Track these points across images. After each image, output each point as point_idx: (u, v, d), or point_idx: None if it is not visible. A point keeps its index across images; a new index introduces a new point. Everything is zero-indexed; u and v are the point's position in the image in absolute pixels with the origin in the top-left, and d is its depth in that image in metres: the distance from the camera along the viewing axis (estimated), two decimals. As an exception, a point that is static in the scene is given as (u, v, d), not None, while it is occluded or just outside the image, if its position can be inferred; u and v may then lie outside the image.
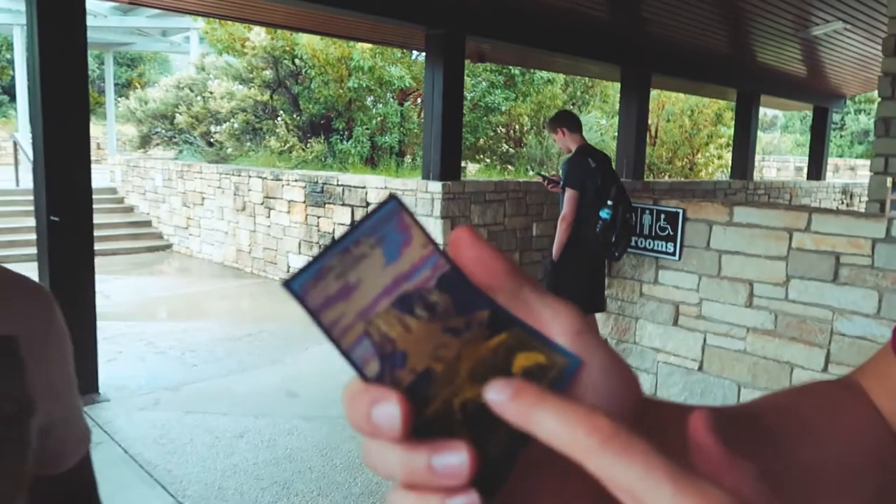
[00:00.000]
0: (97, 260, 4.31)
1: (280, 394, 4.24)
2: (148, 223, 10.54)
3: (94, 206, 4.29)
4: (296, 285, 0.26)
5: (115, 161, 11.81)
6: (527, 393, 0.24)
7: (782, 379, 3.76)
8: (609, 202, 4.07)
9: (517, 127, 13.17)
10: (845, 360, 3.53)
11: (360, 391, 0.26)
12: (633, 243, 4.32)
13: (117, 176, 11.49)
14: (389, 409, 0.24)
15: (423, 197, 5.96)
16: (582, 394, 0.27)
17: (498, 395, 0.25)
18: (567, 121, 4.40)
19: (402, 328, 0.27)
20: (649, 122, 10.02)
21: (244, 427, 3.71)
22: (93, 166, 4.13)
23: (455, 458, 0.24)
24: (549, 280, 4.31)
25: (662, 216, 4.27)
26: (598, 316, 4.49)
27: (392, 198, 0.28)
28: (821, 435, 0.40)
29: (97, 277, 4.30)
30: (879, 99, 5.96)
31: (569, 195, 4.08)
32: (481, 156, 12.82)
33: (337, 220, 7.02)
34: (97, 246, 4.30)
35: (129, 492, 3.02)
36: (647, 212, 4.34)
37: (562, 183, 4.20)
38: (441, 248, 0.28)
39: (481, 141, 12.44)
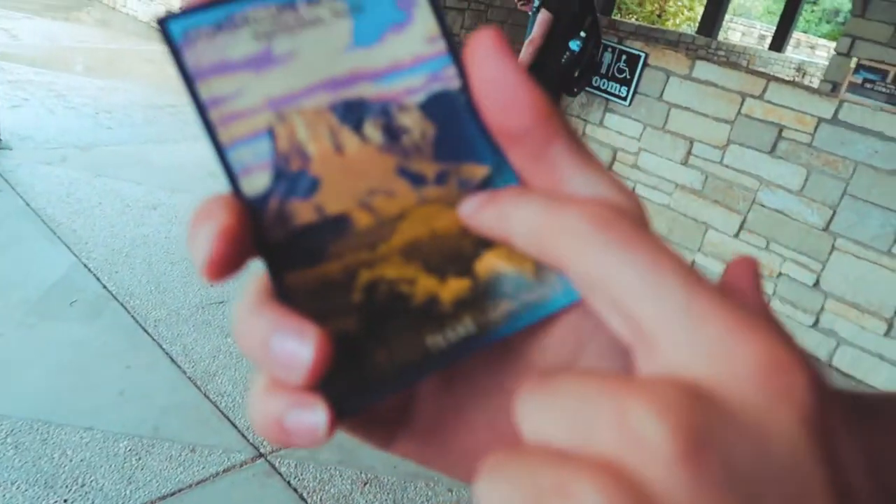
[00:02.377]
0: (0, -11, 3.79)
1: (200, 172, 4.07)
2: (66, -39, 9.33)
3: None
4: (176, 27, 0.17)
5: None
6: (507, 193, 0.18)
7: (695, 237, 3.91)
8: (582, 34, 3.83)
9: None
10: (757, 230, 3.68)
11: (258, 306, 0.17)
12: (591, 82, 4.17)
13: None
14: (297, 348, 0.16)
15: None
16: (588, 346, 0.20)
17: (471, 206, 0.18)
18: None
19: (332, 144, 0.18)
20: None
21: (158, 199, 3.58)
22: None
23: (296, 346, 0.16)
24: None
25: (623, 57, 4.10)
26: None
27: None
28: None
29: (0, 13, 3.80)
30: (867, -25, 5.74)
31: (542, 17, 3.79)
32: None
33: None
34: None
35: (29, 244, 2.90)
36: (609, 50, 4.15)
37: (536, 3, 3.89)
38: (459, 52, 0.18)
39: (451, -60, 11.39)
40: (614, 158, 4.21)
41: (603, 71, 4.16)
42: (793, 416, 0.14)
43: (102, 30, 7.53)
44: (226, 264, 0.17)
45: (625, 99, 4.10)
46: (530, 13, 4.00)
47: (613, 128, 4.20)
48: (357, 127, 0.18)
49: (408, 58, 0.18)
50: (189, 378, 2.31)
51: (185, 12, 0.17)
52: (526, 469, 0.14)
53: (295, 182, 0.18)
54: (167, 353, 2.40)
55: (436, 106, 0.18)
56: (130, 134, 4.46)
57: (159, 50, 7.11)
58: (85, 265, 2.83)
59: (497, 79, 0.17)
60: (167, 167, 4.02)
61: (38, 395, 2.09)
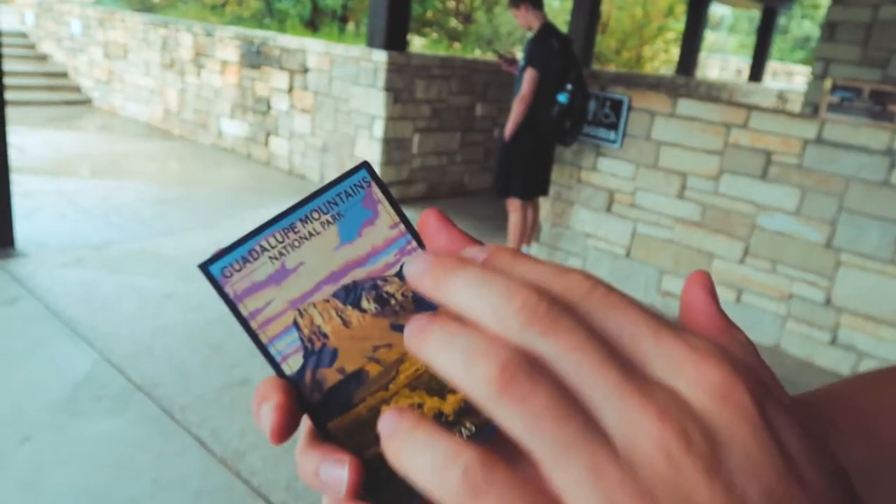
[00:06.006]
0: (6, 110, 3.97)
1: (211, 259, 4.17)
2: (65, 74, 9.76)
3: (2, 51, 3.90)
4: (215, 269, 0.24)
5: (25, 1, 10.69)
6: (447, 258, 0.21)
7: (702, 267, 3.95)
8: (568, 86, 3.99)
9: (467, 1, 12.60)
10: (761, 254, 3.73)
11: (308, 447, 0.24)
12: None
13: (28, 19, 10.46)
14: (337, 473, 0.22)
15: (366, 66, 5.70)
16: None
17: (414, 267, 0.21)
18: None
19: (340, 322, 0.25)
20: (601, 8, 9.75)
21: (173, 289, 3.66)
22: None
23: (336, 472, 0.22)
24: (499, 159, 4.27)
25: (607, 103, 4.25)
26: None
27: (363, 165, 0.25)
28: (881, 432, 0.34)
29: (7, 128, 3.98)
30: (830, 1, 5.97)
31: (530, 75, 3.96)
32: (428, 29, 12.29)
33: (273, 84, 6.67)
34: (6, 95, 3.95)
35: (52, 347, 2.97)
36: (593, 98, 4.30)
37: (523, 62, 4.07)
38: (415, 230, 0.25)
39: (429, 14, 11.88)
40: (612, 200, 4.30)
41: (589, 118, 4.30)
42: (742, 424, 0.18)
43: (104, 134, 7.81)
44: (285, 430, 0.23)
45: (615, 142, 4.23)
46: (516, 73, 4.17)
47: (607, 171, 4.31)
48: (356, 304, 0.25)
49: (381, 242, 0.25)
50: (220, 460, 2.32)
51: (218, 255, 0.24)
52: None
53: (320, 356, 0.24)
54: (196, 438, 2.43)
55: None
56: (140, 230, 4.58)
57: (160, 147, 7.36)
58: (108, 361, 2.88)
59: (445, 241, 0.24)
60: (179, 257, 4.13)
61: (74, 493, 2.11)
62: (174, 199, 5.39)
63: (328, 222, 0.25)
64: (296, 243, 0.24)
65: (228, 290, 0.24)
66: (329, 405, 0.24)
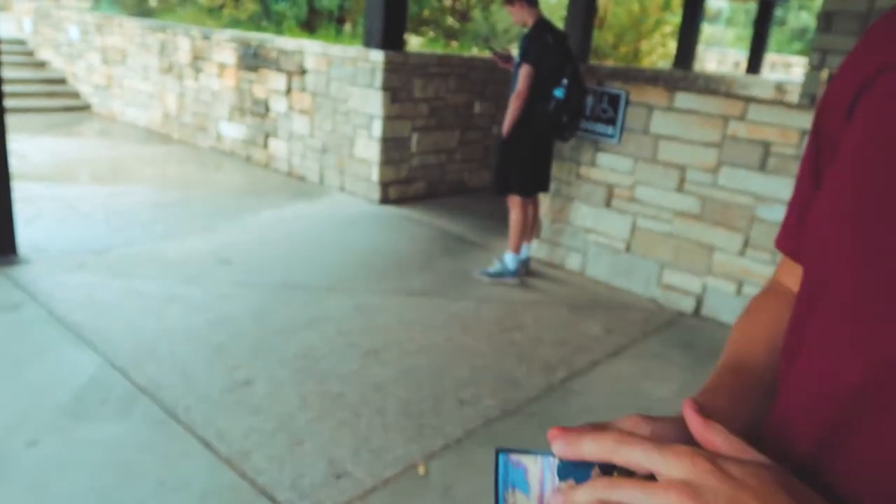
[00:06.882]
0: (6, 117, 3.98)
1: (212, 260, 4.18)
2: (63, 80, 9.77)
3: (1, 58, 3.90)
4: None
5: (23, 9, 10.71)
6: (572, 433, 0.42)
7: (702, 261, 3.96)
8: (564, 81, 3.98)
9: (463, -1, 12.60)
10: (761, 245, 3.73)
11: None
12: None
13: (26, 26, 10.47)
14: None
15: (364, 66, 5.71)
16: None
17: (556, 444, 0.42)
18: None
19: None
20: (597, 3, 9.74)
21: (175, 292, 3.67)
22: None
23: None
24: (498, 157, 4.25)
25: (605, 98, 4.25)
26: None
27: (498, 451, 0.42)
28: (777, 347, 0.57)
29: (7, 135, 3.99)
30: (826, -8, 5.95)
31: (525, 71, 3.95)
32: (425, 28, 12.29)
33: (271, 86, 6.67)
34: (5, 102, 3.96)
35: (56, 352, 2.98)
36: (590, 93, 4.30)
37: (518, 58, 4.06)
38: (541, 453, 0.42)
39: (426, 12, 11.89)
40: (611, 194, 4.31)
41: (586, 113, 4.30)
42: (705, 472, 0.38)
43: (103, 140, 7.83)
44: None
45: (613, 137, 4.23)
46: (512, 69, 4.17)
47: (606, 166, 4.31)
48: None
49: (539, 473, 0.42)
50: (225, 460, 2.33)
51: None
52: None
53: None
54: (201, 439, 2.44)
55: (561, 473, 0.42)
56: (142, 234, 4.60)
57: (159, 151, 7.36)
58: (112, 364, 2.89)
59: (563, 448, 0.43)
60: (179, 260, 4.14)
61: (80, 496, 2.12)
62: (174, 203, 5.40)
63: (513, 491, 0.42)
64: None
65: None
66: None
